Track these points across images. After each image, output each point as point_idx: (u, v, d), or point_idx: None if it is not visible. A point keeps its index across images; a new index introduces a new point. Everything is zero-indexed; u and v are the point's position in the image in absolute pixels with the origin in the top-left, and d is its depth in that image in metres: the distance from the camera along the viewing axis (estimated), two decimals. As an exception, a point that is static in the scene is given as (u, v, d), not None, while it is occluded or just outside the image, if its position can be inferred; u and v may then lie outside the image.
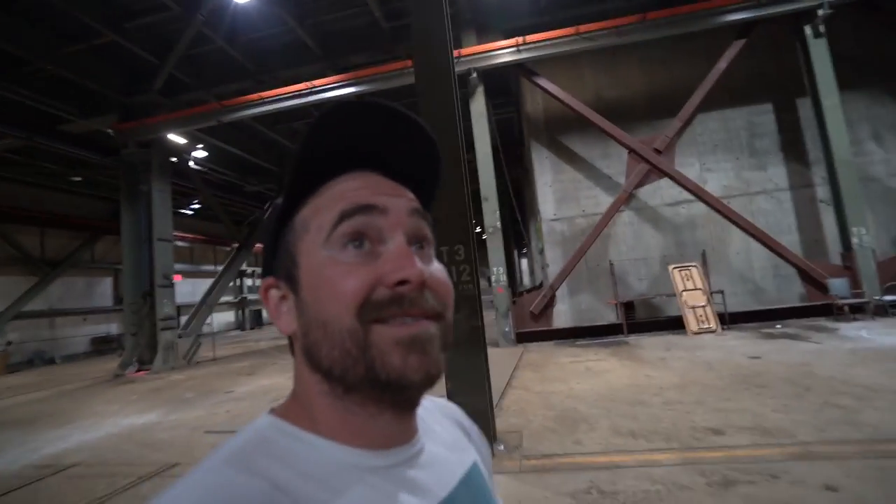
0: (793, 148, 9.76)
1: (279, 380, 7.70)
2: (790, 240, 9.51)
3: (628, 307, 8.82)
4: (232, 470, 0.32)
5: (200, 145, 13.48)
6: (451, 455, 0.43)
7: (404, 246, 0.37)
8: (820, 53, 8.44)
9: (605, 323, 9.12)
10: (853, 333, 6.59)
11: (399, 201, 0.39)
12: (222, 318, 23.41)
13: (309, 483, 0.33)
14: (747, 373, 5.03)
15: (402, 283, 0.35)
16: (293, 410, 0.39)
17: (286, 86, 10.04)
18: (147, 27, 9.35)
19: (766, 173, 9.81)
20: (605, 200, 10.11)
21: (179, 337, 10.85)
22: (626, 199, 9.23)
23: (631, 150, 9.09)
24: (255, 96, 10.13)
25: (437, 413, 0.48)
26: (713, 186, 9.91)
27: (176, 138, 11.63)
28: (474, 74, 9.27)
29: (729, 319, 8.22)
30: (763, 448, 3.04)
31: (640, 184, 9.24)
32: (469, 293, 3.50)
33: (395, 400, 0.37)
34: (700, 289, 8.14)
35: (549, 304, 9.17)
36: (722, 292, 8.34)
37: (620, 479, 2.77)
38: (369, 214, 0.37)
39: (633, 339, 8.22)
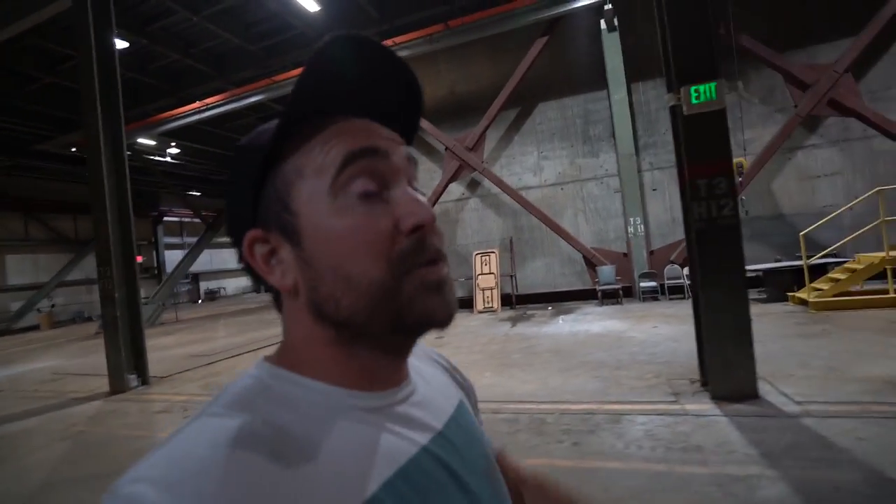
0: (623, 134, 10.09)
1: (167, 340, 10.40)
2: (617, 223, 10.10)
3: (438, 288, 10.21)
4: (236, 412, 0.32)
5: (173, 143, 16.37)
6: (439, 394, 0.46)
7: (410, 191, 0.37)
8: (612, 47, 8.68)
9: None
10: (560, 319, 7.62)
11: (396, 146, 0.38)
12: (239, 283, 27.60)
13: (310, 424, 0.34)
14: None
15: (416, 228, 0.35)
16: (287, 358, 0.39)
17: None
18: (70, 69, 11.85)
19: (597, 160, 10.28)
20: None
21: (144, 304, 14.11)
22: (442, 191, 10.36)
23: (447, 148, 10.11)
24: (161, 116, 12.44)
25: (423, 356, 0.49)
26: (549, 173, 10.62)
27: (146, 141, 14.62)
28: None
29: (517, 301, 9.37)
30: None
31: (454, 178, 10.28)
32: (730, 223, 3.60)
33: (407, 344, 0.39)
34: (493, 273, 9.32)
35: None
36: (513, 276, 9.44)
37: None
38: (373, 158, 0.36)
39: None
